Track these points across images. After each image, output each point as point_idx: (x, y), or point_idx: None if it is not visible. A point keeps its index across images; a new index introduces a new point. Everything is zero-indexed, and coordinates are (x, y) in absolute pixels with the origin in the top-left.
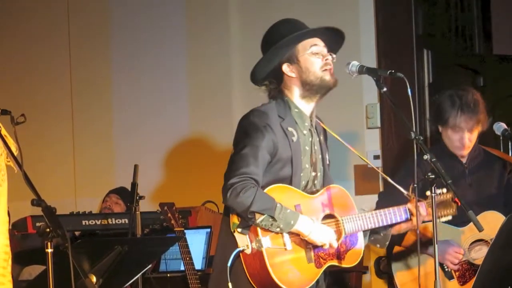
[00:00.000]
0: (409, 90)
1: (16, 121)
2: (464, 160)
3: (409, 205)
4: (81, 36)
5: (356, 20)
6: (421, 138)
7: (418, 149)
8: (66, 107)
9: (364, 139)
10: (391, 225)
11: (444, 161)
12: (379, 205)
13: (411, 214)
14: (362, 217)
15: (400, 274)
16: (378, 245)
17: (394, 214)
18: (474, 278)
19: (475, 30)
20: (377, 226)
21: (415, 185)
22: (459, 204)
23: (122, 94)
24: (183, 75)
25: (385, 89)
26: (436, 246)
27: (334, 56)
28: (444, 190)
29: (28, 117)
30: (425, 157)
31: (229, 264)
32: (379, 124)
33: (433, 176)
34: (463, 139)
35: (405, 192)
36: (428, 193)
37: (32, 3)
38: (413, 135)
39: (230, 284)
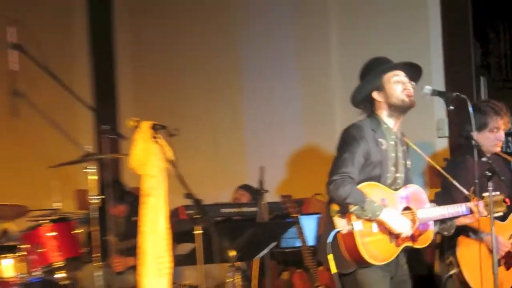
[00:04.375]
0: (470, 108)
1: (171, 134)
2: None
3: (469, 204)
4: (217, 57)
5: (428, 53)
6: (479, 144)
7: (478, 154)
8: (208, 122)
9: (436, 146)
10: (455, 217)
11: (479, 164)
12: (437, 200)
13: (471, 211)
14: (432, 209)
15: (463, 258)
16: (446, 233)
17: (458, 210)
18: None
19: None
20: (443, 218)
21: (475, 184)
22: (508, 203)
23: (251, 110)
24: (299, 95)
25: (451, 107)
26: (494, 237)
27: (413, 83)
28: (498, 192)
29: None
30: (484, 159)
31: (329, 241)
32: (447, 134)
33: (490, 174)
34: (500, 137)
35: (466, 192)
36: (484, 194)
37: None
38: (474, 142)
39: (330, 256)
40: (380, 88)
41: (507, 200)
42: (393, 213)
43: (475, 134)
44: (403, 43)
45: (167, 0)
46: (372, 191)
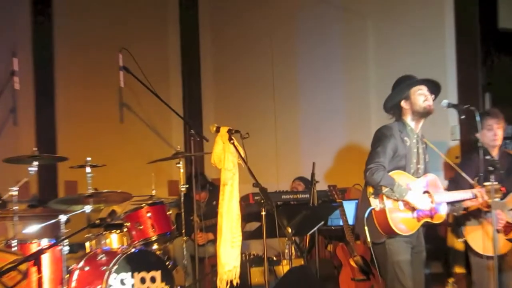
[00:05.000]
0: (477, 117)
1: (243, 136)
2: (496, 158)
3: (474, 190)
4: (280, 77)
5: (445, 75)
6: (484, 144)
7: (483, 152)
8: (272, 127)
9: (449, 146)
10: (462, 201)
11: (485, 160)
12: (449, 188)
13: (475, 196)
14: (445, 194)
15: (469, 230)
16: (455, 213)
17: (465, 195)
18: None
19: None
20: (454, 200)
21: (479, 176)
22: (504, 191)
23: (305, 117)
24: (343, 104)
25: (463, 116)
26: (494, 214)
27: (433, 96)
28: (496, 182)
29: (246, 130)
30: (488, 157)
31: (365, 216)
32: (458, 137)
33: (492, 168)
34: (496, 134)
35: (471, 181)
36: (485, 183)
37: (243, 47)
38: (480, 144)
39: (366, 228)
40: (407, 98)
41: (502, 188)
42: (416, 195)
43: (478, 136)
44: (425, 67)
45: (243, 30)
46: (399, 177)
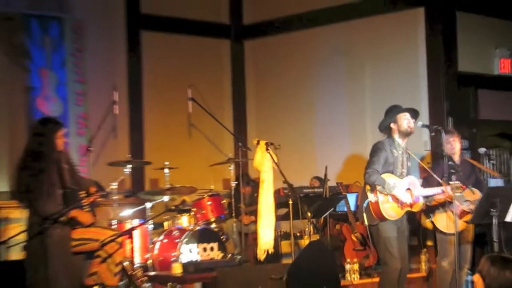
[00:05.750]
0: (443, 135)
1: (275, 147)
2: (458, 163)
3: (442, 187)
4: (299, 101)
5: (419, 103)
6: (447, 154)
7: (447, 159)
8: (295, 139)
9: (424, 156)
10: (434, 195)
11: (448, 165)
12: (423, 184)
13: (443, 191)
14: (422, 190)
15: (437, 215)
16: (428, 203)
17: (436, 191)
18: (468, 215)
19: None
20: (427, 195)
21: (444, 177)
22: (464, 188)
23: (319, 132)
24: (347, 123)
25: (433, 133)
26: (455, 204)
27: (414, 120)
28: (458, 182)
29: (279, 142)
30: (450, 162)
31: (364, 205)
32: (429, 148)
33: (453, 171)
34: (453, 147)
35: (440, 180)
36: (450, 182)
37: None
38: (444, 153)
39: (364, 214)
40: (395, 122)
41: (463, 186)
42: (400, 191)
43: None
44: (406, 98)
45: (278, 73)
46: (388, 178)
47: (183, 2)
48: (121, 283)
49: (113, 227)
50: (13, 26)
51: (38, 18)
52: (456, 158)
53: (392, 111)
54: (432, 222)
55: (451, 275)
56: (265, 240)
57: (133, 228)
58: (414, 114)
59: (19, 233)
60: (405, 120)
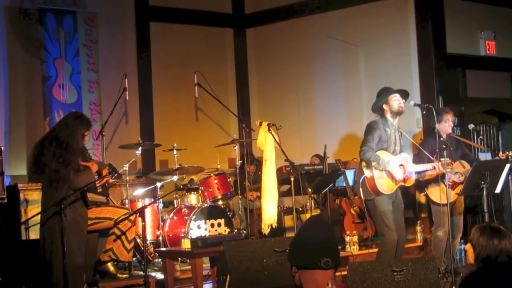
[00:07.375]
0: (434, 112)
1: (277, 128)
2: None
3: (433, 164)
4: (302, 86)
5: (411, 84)
6: (439, 132)
7: (438, 136)
8: (298, 120)
9: (416, 133)
10: (425, 171)
11: (439, 142)
12: (414, 160)
13: (434, 167)
14: (414, 166)
15: (430, 188)
16: (420, 179)
17: (427, 167)
18: (459, 186)
19: None
20: (419, 171)
21: (435, 153)
22: (452, 163)
23: (320, 112)
24: (344, 105)
25: (424, 112)
26: (447, 177)
27: (404, 100)
28: (448, 158)
29: (280, 122)
30: (442, 138)
31: (360, 181)
32: (421, 126)
33: (445, 146)
34: (451, 125)
35: (431, 157)
36: (442, 159)
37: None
38: (436, 130)
39: (361, 189)
40: (387, 103)
41: (452, 162)
42: (394, 167)
43: (437, 126)
44: (398, 79)
45: (280, 57)
46: (383, 155)
47: None
48: (134, 258)
49: (125, 206)
50: (30, 20)
51: (53, 12)
52: (444, 135)
53: (384, 93)
54: (426, 195)
55: (446, 243)
56: (269, 215)
57: (144, 207)
58: (404, 94)
59: (37, 214)
60: (396, 101)
